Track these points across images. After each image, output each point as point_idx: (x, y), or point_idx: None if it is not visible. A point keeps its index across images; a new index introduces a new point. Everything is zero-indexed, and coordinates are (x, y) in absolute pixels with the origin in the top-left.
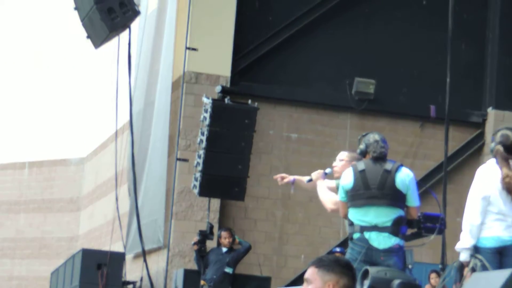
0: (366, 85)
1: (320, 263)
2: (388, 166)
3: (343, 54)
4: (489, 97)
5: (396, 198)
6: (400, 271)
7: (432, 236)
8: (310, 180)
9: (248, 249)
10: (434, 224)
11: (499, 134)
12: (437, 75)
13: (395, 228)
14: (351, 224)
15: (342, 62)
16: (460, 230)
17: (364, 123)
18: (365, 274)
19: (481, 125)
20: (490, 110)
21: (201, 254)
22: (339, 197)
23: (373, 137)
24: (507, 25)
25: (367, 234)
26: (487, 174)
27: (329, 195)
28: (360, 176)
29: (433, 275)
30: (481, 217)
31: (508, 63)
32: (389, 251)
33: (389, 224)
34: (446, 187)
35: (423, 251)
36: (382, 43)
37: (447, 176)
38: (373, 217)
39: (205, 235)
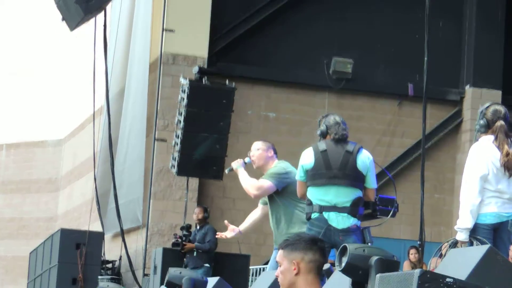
0: (343, 64)
1: (285, 244)
2: (350, 147)
3: (320, 33)
4: (466, 75)
5: (356, 179)
6: (378, 248)
7: (387, 219)
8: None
9: (207, 252)
10: (388, 207)
11: (490, 109)
12: (414, 53)
13: (354, 208)
14: (310, 203)
15: (320, 41)
16: (438, 206)
17: (342, 102)
18: (343, 251)
19: (459, 103)
20: (467, 88)
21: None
22: (297, 176)
23: (333, 118)
24: (484, 2)
25: (326, 214)
26: (483, 152)
27: (251, 181)
28: (322, 156)
29: (412, 251)
30: (480, 196)
31: (486, 41)
32: (347, 231)
33: (348, 204)
34: (424, 164)
35: (402, 227)
36: (360, 22)
37: (425, 153)
38: (333, 196)
39: (184, 237)
